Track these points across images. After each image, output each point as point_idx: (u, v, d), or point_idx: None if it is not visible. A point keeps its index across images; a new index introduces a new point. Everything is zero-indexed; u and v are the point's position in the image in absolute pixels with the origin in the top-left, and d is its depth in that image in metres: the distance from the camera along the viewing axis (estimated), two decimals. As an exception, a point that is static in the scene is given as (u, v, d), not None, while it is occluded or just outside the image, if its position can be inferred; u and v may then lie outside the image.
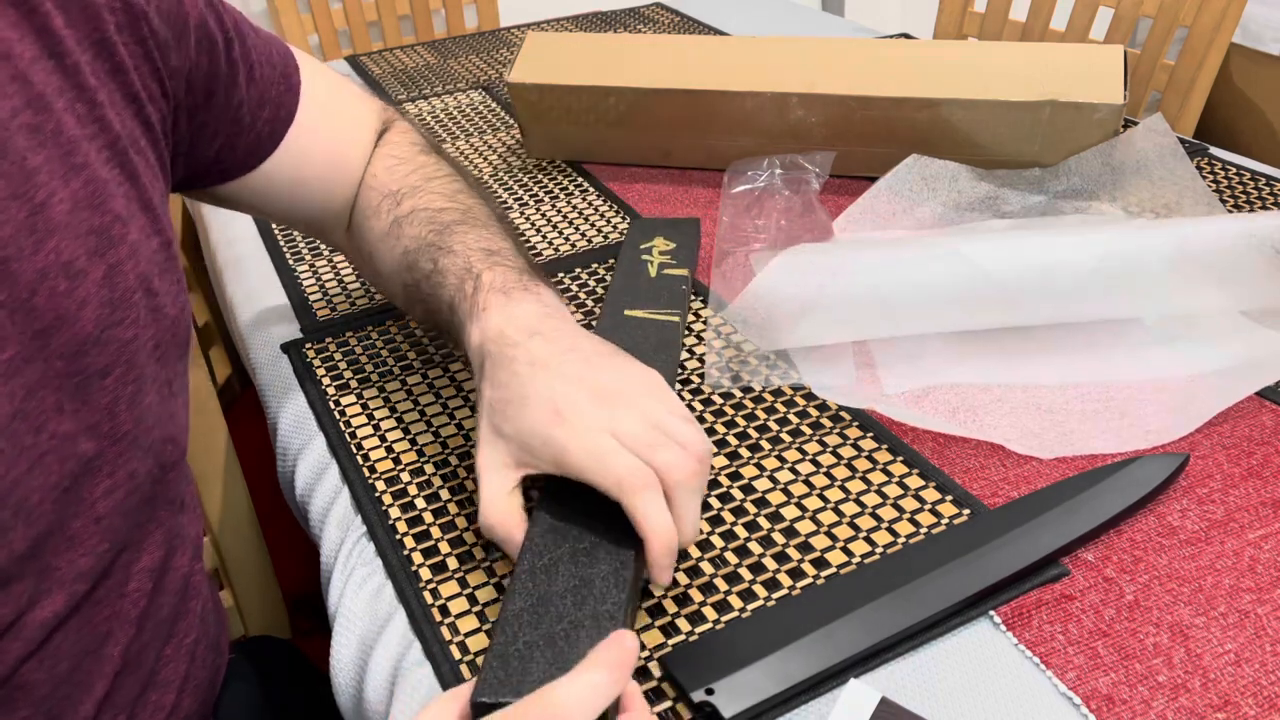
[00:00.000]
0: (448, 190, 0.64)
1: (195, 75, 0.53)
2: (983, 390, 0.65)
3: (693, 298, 0.76)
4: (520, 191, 0.94)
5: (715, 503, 0.57)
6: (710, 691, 0.45)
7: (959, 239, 0.67)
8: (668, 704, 0.46)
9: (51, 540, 0.44)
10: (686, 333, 0.72)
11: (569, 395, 0.48)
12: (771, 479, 0.58)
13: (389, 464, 0.61)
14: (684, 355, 0.70)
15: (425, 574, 0.54)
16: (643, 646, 0.49)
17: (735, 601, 0.51)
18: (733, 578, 0.52)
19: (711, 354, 0.69)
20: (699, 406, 0.64)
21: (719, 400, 0.65)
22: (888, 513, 0.56)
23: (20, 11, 0.43)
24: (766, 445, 0.61)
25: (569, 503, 0.49)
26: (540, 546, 0.48)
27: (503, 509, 0.49)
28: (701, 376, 0.67)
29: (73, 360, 0.43)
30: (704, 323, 0.73)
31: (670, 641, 0.49)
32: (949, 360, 0.67)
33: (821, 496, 0.57)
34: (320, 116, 0.63)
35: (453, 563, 0.54)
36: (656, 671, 0.47)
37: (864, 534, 0.54)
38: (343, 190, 0.66)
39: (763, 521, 0.55)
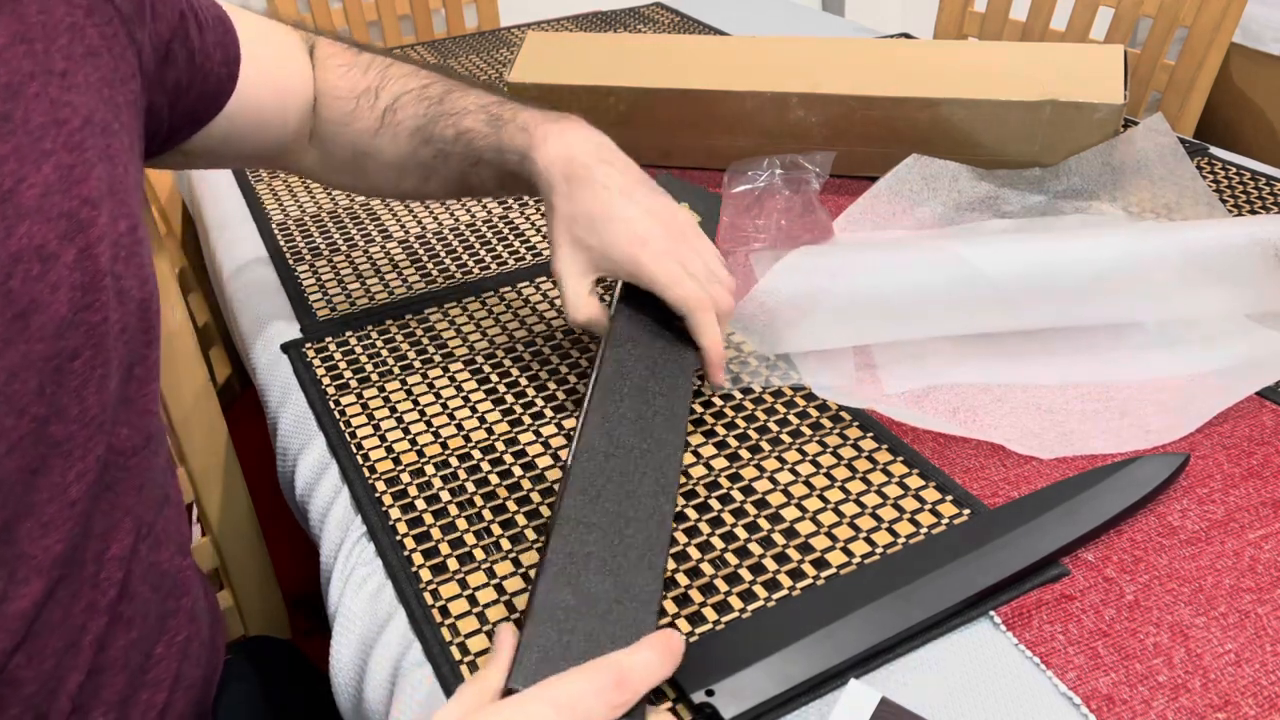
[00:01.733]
0: (410, 71, 0.69)
1: (158, 42, 0.55)
2: (983, 390, 0.65)
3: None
4: (520, 191, 0.94)
5: (715, 504, 0.57)
6: (710, 693, 0.45)
7: (960, 242, 0.67)
8: (668, 705, 0.46)
9: (24, 524, 0.44)
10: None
11: (648, 224, 0.60)
12: (771, 480, 0.58)
13: (389, 464, 0.61)
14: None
15: (425, 574, 0.54)
16: (643, 647, 0.49)
17: (735, 602, 0.51)
18: (733, 578, 0.52)
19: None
20: (699, 408, 0.64)
21: (719, 401, 0.65)
22: (888, 513, 0.56)
23: None
24: (766, 446, 0.61)
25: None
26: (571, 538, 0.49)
27: (589, 306, 0.61)
28: (701, 378, 0.67)
29: (51, 343, 0.44)
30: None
31: (670, 642, 0.49)
32: (949, 360, 0.67)
33: (821, 497, 0.57)
34: (259, 47, 0.65)
35: (453, 563, 0.54)
36: (656, 672, 0.47)
37: (864, 534, 0.54)
38: (296, 112, 0.68)
39: (763, 522, 0.55)
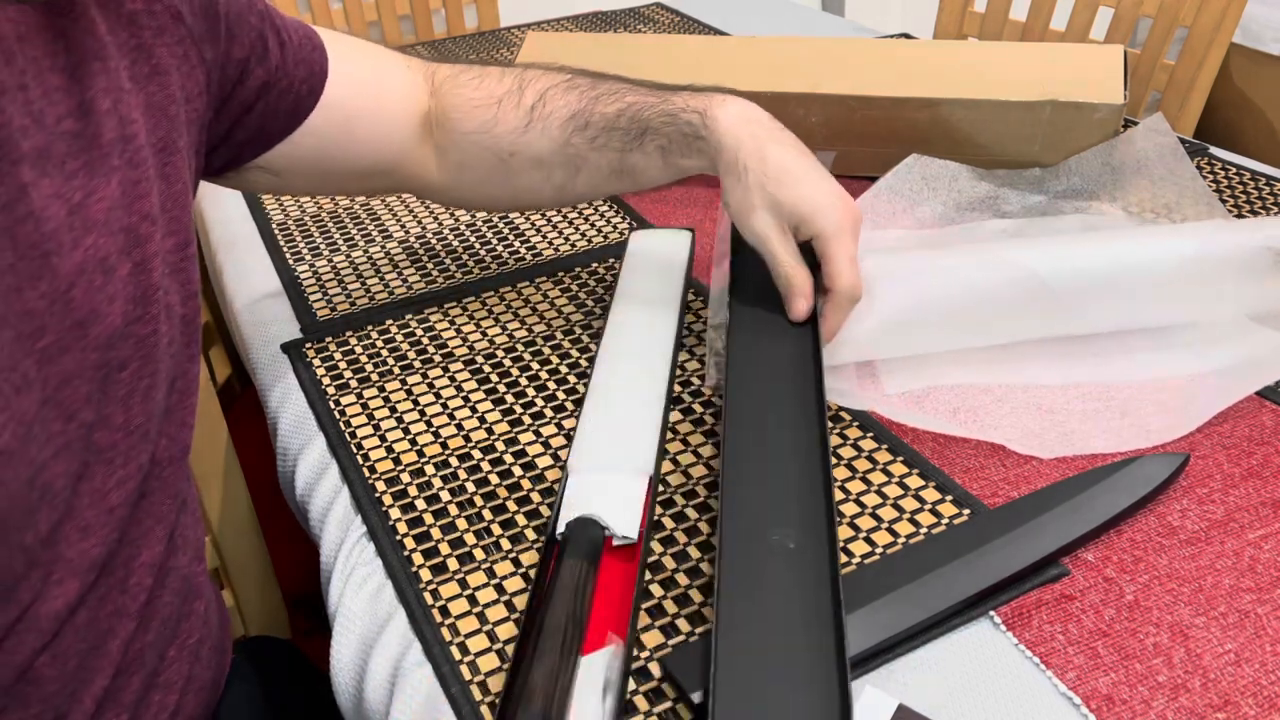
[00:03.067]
0: (546, 71, 0.69)
1: (229, 62, 0.56)
2: (983, 391, 0.65)
3: (692, 298, 0.76)
4: (520, 191, 0.94)
5: (715, 505, 0.57)
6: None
7: (1004, 246, 0.67)
8: (668, 704, 0.46)
9: (66, 527, 0.45)
10: (687, 333, 0.72)
11: (837, 190, 0.62)
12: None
13: (389, 464, 0.61)
14: (684, 356, 0.70)
15: (425, 574, 0.54)
16: (642, 647, 0.49)
17: (735, 602, 0.51)
18: (733, 578, 0.52)
19: (711, 354, 0.69)
20: (699, 408, 0.64)
21: (719, 401, 0.65)
22: (888, 513, 0.56)
23: (68, 19, 0.45)
24: (766, 445, 0.61)
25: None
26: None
27: (801, 266, 0.62)
28: (702, 378, 0.67)
29: (104, 352, 0.45)
30: (704, 323, 0.73)
31: (670, 642, 0.49)
32: (950, 361, 0.67)
33: (821, 497, 0.57)
34: (353, 65, 0.66)
35: (453, 563, 0.54)
36: (656, 672, 0.47)
37: (864, 534, 0.54)
38: (402, 126, 0.68)
39: (763, 522, 0.55)
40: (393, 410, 0.66)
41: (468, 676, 0.48)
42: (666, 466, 0.60)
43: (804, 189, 0.61)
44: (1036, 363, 0.67)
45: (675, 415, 0.64)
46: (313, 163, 0.65)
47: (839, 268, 0.60)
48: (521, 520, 0.57)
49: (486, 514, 0.57)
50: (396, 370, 0.70)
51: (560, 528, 0.53)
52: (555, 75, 0.68)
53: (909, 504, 0.56)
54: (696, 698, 0.45)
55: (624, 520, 0.53)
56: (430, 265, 0.83)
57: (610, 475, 0.57)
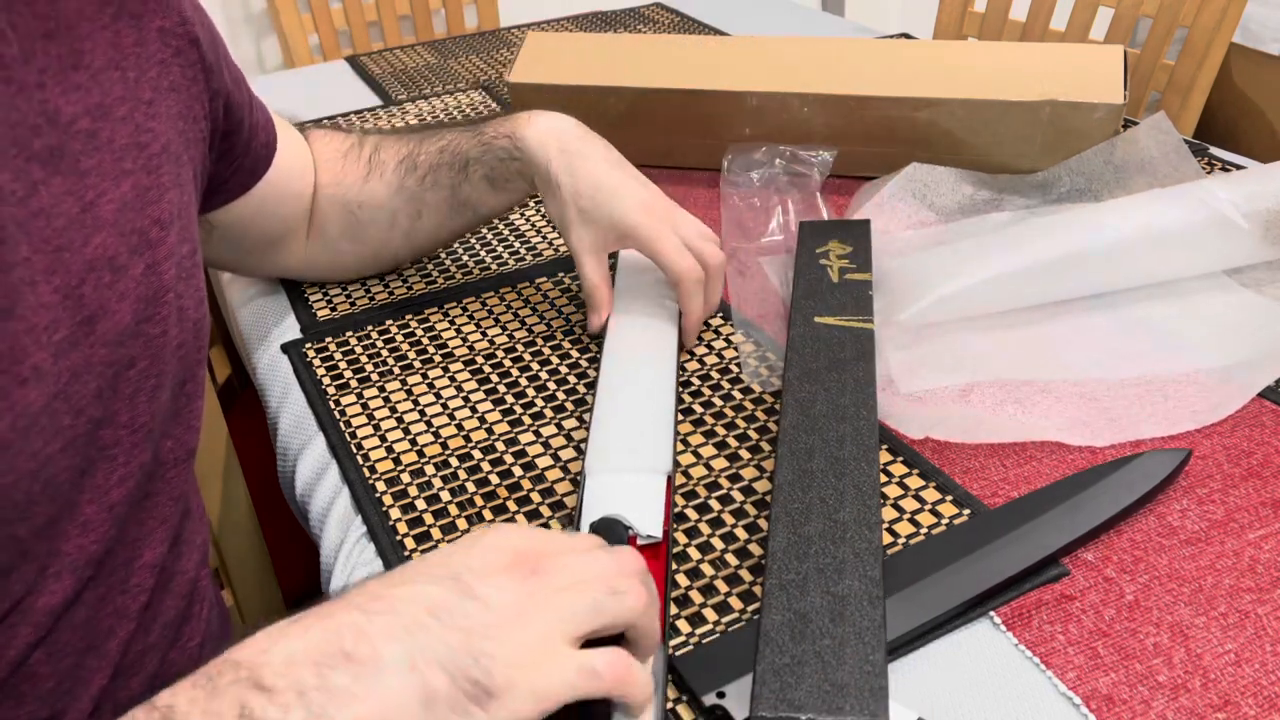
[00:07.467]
0: (382, 131, 0.78)
1: (229, 101, 0.59)
2: (1025, 384, 0.64)
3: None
4: (520, 191, 0.94)
5: (715, 504, 0.57)
6: (722, 694, 0.45)
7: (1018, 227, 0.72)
8: (669, 705, 0.46)
9: (63, 522, 0.45)
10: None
11: (648, 196, 0.66)
12: (771, 480, 0.58)
13: (389, 464, 0.61)
14: (683, 356, 0.70)
15: (425, 574, 0.54)
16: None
17: (736, 604, 0.51)
18: (733, 579, 0.52)
19: (745, 357, 0.69)
20: (699, 409, 0.64)
21: (719, 402, 0.65)
22: (888, 513, 0.56)
23: (95, 24, 0.47)
24: (766, 446, 0.61)
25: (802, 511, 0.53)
26: (784, 564, 0.50)
27: (606, 284, 0.68)
28: (703, 378, 0.67)
29: (113, 349, 0.46)
30: (704, 323, 0.73)
31: (670, 643, 0.49)
32: (988, 356, 0.67)
33: (822, 497, 0.57)
34: (287, 130, 0.70)
35: (453, 563, 0.54)
36: (657, 672, 0.47)
37: (864, 534, 0.54)
38: (309, 197, 0.74)
39: (763, 523, 0.55)
40: (393, 410, 0.66)
41: (468, 677, 0.48)
42: (666, 466, 0.60)
43: (614, 205, 0.65)
44: (1075, 352, 0.67)
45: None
46: (247, 224, 0.68)
47: (669, 260, 0.65)
48: (521, 521, 0.57)
49: (487, 514, 0.57)
50: (396, 370, 0.70)
51: (583, 529, 0.53)
52: (389, 132, 0.75)
53: (909, 504, 0.56)
54: (708, 700, 0.45)
55: (647, 519, 0.53)
56: (430, 265, 0.83)
57: (630, 475, 0.57)
